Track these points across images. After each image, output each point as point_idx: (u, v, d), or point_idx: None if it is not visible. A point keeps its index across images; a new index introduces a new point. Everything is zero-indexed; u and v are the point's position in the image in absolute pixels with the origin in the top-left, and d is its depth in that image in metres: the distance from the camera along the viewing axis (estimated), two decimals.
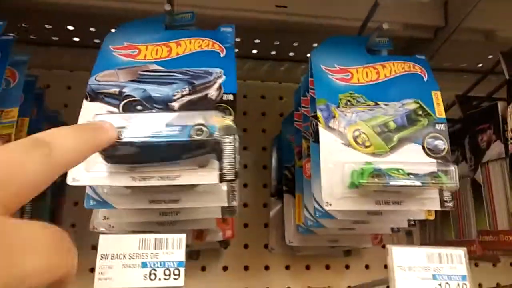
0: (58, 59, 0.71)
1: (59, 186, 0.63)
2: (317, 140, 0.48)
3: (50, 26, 0.66)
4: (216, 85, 0.41)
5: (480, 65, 0.80)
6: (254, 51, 0.76)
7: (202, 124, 0.33)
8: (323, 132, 0.47)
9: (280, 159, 0.72)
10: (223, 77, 0.42)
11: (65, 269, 0.18)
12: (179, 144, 0.32)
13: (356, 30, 0.56)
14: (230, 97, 0.40)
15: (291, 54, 0.77)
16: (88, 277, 0.62)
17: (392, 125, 0.48)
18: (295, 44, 0.73)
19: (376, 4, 0.51)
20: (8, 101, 0.46)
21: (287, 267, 0.72)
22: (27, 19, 0.65)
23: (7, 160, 0.18)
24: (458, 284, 0.39)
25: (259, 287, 0.70)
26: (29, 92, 0.52)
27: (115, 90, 0.41)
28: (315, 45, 0.72)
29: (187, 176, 0.36)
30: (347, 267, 0.74)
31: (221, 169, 0.36)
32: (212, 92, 0.41)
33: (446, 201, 0.47)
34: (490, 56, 0.75)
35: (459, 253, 0.40)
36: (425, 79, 0.51)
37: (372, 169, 0.43)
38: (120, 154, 0.32)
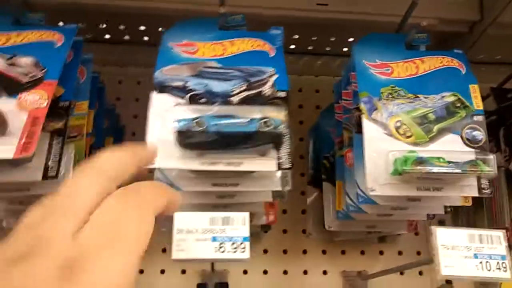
0: (110, 55, 0.76)
1: None
2: (359, 131, 0.51)
3: (104, 26, 0.71)
4: (270, 83, 0.45)
5: None
6: (292, 46, 0.79)
7: (268, 118, 0.37)
8: (366, 123, 0.50)
9: (316, 149, 0.76)
10: (276, 75, 0.46)
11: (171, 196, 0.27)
12: (247, 135, 0.37)
13: (393, 25, 0.59)
14: (283, 94, 0.44)
15: (327, 48, 0.79)
16: (161, 257, 0.68)
17: (432, 116, 0.51)
18: (332, 39, 0.76)
19: (415, 2, 0.54)
20: (80, 95, 0.51)
21: (324, 252, 0.76)
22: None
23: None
24: (498, 263, 0.42)
25: (297, 269, 0.74)
26: (94, 87, 0.57)
27: (179, 83, 0.45)
28: (350, 39, 0.75)
29: (249, 163, 0.40)
30: (381, 252, 0.77)
31: (279, 158, 0.40)
32: (267, 89, 0.45)
33: (484, 188, 0.50)
34: None
35: (499, 234, 0.43)
36: (463, 72, 0.54)
37: (415, 157, 0.46)
38: (196, 141, 0.36)
